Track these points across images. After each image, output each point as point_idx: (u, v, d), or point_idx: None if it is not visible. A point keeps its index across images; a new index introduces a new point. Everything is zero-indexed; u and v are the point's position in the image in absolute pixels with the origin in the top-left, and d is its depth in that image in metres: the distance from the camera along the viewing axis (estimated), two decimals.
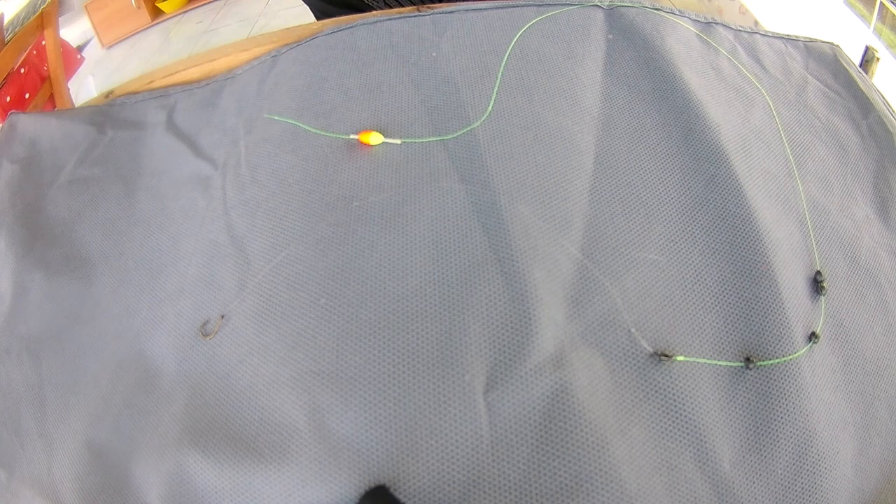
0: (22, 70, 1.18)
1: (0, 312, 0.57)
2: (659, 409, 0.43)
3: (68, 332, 0.55)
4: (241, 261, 0.53)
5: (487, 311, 0.46)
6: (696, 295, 0.49)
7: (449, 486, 0.39)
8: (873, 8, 1.08)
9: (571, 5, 0.71)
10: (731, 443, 0.43)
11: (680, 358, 0.45)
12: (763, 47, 0.73)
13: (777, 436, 0.43)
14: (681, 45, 0.68)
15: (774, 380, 0.45)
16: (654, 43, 0.67)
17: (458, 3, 0.75)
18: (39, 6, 1.20)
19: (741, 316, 0.48)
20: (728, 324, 0.48)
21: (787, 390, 0.45)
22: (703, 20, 0.73)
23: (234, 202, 0.58)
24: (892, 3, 1.04)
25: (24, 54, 1.19)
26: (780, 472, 0.42)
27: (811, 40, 0.77)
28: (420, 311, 0.46)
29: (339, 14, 0.80)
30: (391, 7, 0.91)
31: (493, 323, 0.45)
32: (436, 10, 0.72)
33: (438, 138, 0.58)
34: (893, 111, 0.70)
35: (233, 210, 0.57)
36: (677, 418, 0.43)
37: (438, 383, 0.43)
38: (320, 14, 1.07)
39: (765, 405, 0.44)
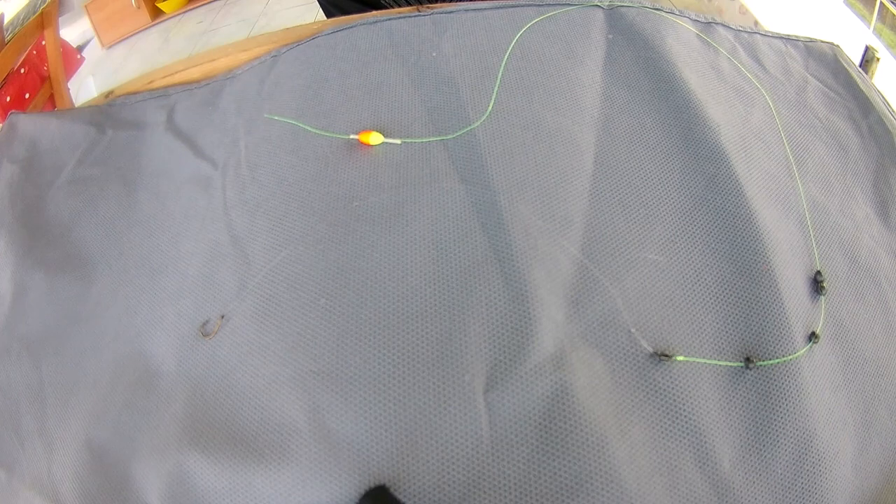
0: (22, 70, 1.17)
1: (0, 312, 0.57)
2: (659, 409, 0.43)
3: (68, 332, 0.55)
4: (241, 261, 0.53)
5: (487, 311, 0.46)
6: (696, 295, 0.49)
7: (449, 485, 0.39)
8: (873, 8, 1.08)
9: (571, 5, 0.71)
10: (731, 443, 0.43)
11: (680, 358, 0.45)
12: (763, 47, 0.73)
13: (777, 436, 0.43)
14: (681, 45, 0.68)
15: (774, 380, 0.45)
16: (654, 43, 0.67)
17: (458, 3, 0.75)
18: (39, 6, 1.20)
19: (741, 316, 0.48)
20: (728, 324, 0.48)
21: (787, 390, 0.45)
22: (703, 20, 0.73)
23: (234, 202, 0.58)
24: (892, 3, 1.04)
25: (24, 54, 1.18)
26: (780, 472, 0.42)
27: (811, 40, 0.77)
28: (420, 311, 0.46)
29: (350, 10, 0.80)
30: (399, 6, 0.91)
31: (493, 323, 0.45)
32: (436, 10, 0.72)
33: (438, 138, 0.58)
34: (893, 111, 0.70)
35: (233, 210, 0.57)
36: (677, 418, 0.43)
37: (438, 383, 0.43)
38: (332, 8, 1.06)
39: (765, 405, 0.44)
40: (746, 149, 0.59)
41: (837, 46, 0.77)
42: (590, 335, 0.46)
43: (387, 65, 0.66)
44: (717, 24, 0.73)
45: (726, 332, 0.48)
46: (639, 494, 0.39)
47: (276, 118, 0.63)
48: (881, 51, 0.82)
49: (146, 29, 2.37)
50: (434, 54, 0.67)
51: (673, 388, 0.44)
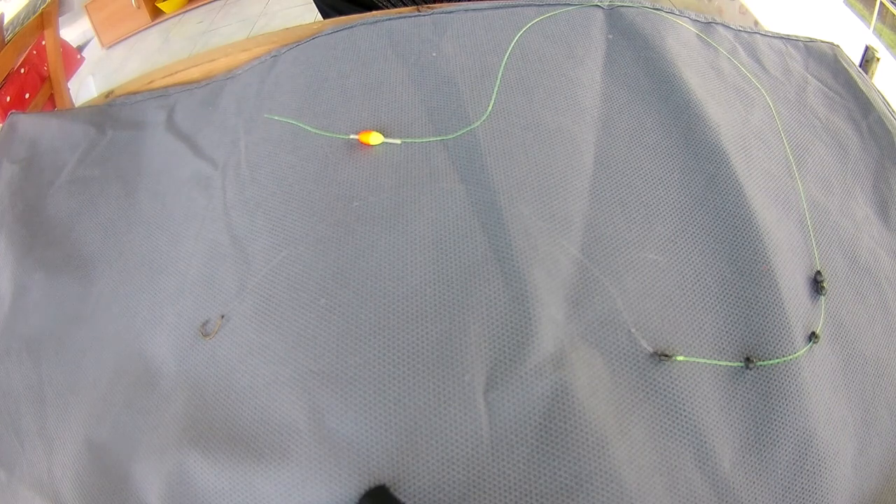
0: (22, 70, 1.17)
1: (0, 312, 0.57)
2: (659, 409, 0.43)
3: (68, 332, 0.55)
4: (241, 261, 0.53)
5: (487, 311, 0.46)
6: (696, 295, 0.49)
7: (449, 485, 0.39)
8: (873, 8, 1.08)
9: (571, 5, 0.71)
10: (731, 443, 0.43)
11: (680, 358, 0.45)
12: (763, 47, 0.73)
13: (777, 436, 0.43)
14: (681, 45, 0.68)
15: (774, 380, 0.45)
16: (654, 43, 0.67)
17: (458, 3, 0.75)
18: (39, 6, 1.20)
19: (741, 316, 0.48)
20: (728, 324, 0.48)
21: (788, 390, 0.45)
22: (703, 20, 0.73)
23: (233, 202, 0.58)
24: (892, 3, 1.04)
25: (24, 54, 1.18)
26: (780, 472, 0.42)
27: (811, 40, 0.77)
28: (420, 312, 0.46)
29: (346, 12, 0.80)
30: (395, 6, 0.91)
31: (494, 323, 0.45)
32: (436, 10, 0.72)
33: (438, 138, 0.58)
34: (893, 111, 0.70)
35: (233, 210, 0.57)
36: (677, 418, 0.43)
37: (438, 383, 0.43)
38: (328, 9, 1.07)
39: (765, 405, 0.44)
40: (746, 149, 0.59)
41: (837, 46, 0.77)
42: (590, 335, 0.46)
43: (387, 65, 0.66)
44: (717, 23, 0.73)
45: (726, 332, 0.48)
46: (639, 494, 0.39)
47: (275, 118, 0.63)
48: (881, 51, 0.82)
49: (146, 29, 2.37)
50: (434, 54, 0.67)
51: (673, 388, 0.44)
